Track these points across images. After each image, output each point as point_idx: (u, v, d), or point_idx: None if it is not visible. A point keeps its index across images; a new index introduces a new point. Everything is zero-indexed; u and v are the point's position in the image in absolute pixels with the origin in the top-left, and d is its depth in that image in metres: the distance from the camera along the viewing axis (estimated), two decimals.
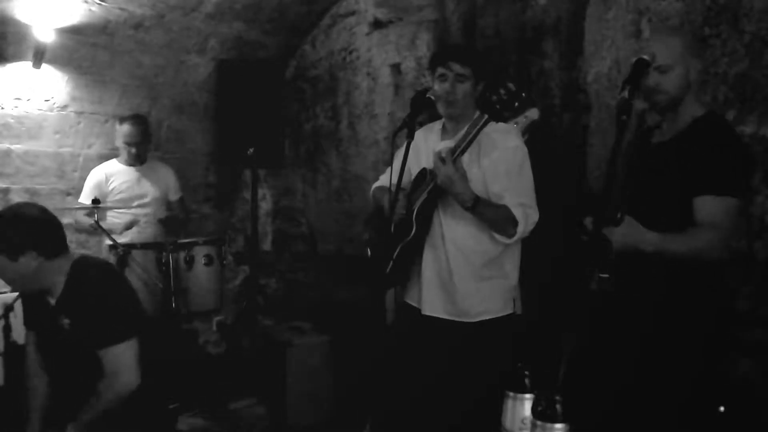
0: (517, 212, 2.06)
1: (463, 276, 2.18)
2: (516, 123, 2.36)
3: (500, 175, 2.11)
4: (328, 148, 4.40)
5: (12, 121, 3.61)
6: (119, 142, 3.61)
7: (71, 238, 3.28)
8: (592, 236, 1.74)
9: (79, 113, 3.85)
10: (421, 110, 2.08)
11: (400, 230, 2.19)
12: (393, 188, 1.99)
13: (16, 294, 2.62)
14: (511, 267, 2.24)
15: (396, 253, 2.18)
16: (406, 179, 2.15)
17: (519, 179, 2.12)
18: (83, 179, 3.64)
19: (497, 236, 2.13)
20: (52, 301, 2.01)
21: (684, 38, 1.90)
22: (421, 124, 2.37)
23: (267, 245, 4.83)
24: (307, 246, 4.67)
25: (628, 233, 1.73)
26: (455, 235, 2.19)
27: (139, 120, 3.63)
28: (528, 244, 2.25)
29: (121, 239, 3.31)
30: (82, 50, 3.64)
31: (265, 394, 3.40)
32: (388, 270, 2.17)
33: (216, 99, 4.24)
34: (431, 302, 2.24)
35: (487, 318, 2.18)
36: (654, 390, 1.77)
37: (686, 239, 1.76)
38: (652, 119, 2.04)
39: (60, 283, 1.98)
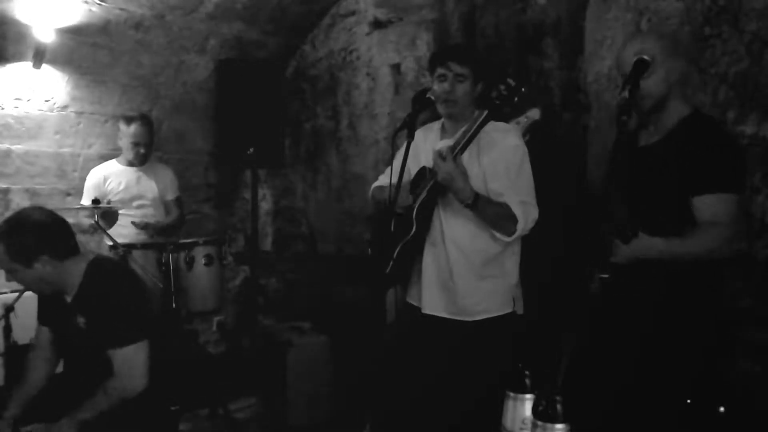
0: (517, 210, 2.06)
1: (464, 274, 2.19)
2: (517, 123, 2.37)
3: (500, 173, 2.11)
4: (329, 148, 4.40)
5: (12, 121, 3.61)
6: (125, 142, 3.59)
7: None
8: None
9: (80, 113, 3.85)
10: (421, 110, 2.08)
11: (400, 229, 2.19)
12: (393, 187, 1.99)
13: (17, 295, 2.62)
14: (512, 266, 2.24)
15: (396, 253, 2.18)
16: (405, 179, 2.15)
17: (519, 177, 2.12)
18: (83, 179, 3.64)
19: (497, 234, 2.13)
20: (69, 299, 2.02)
21: (663, 41, 1.89)
22: (422, 124, 2.37)
23: (267, 245, 4.84)
24: (307, 246, 4.67)
25: (636, 248, 1.73)
26: (455, 234, 2.19)
27: (146, 120, 3.63)
28: (528, 243, 2.25)
29: (122, 240, 3.31)
30: (83, 50, 3.64)
31: (266, 394, 3.40)
32: (388, 269, 2.17)
33: (216, 99, 4.24)
34: (431, 301, 2.24)
35: (487, 317, 2.18)
36: (654, 390, 1.77)
37: (693, 241, 1.76)
38: (632, 122, 2.03)
39: (76, 282, 2.00)
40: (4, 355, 3.02)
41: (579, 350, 1.60)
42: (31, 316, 2.24)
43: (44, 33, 3.33)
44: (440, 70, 2.17)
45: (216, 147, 4.36)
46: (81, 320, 1.98)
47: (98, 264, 2.05)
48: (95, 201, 3.26)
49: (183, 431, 2.90)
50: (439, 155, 2.02)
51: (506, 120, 2.31)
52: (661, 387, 1.77)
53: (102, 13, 3.46)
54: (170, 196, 3.82)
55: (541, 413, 1.05)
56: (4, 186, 3.66)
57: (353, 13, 4.11)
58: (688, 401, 1.75)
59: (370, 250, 2.41)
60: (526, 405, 1.14)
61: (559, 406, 1.04)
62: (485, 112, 2.03)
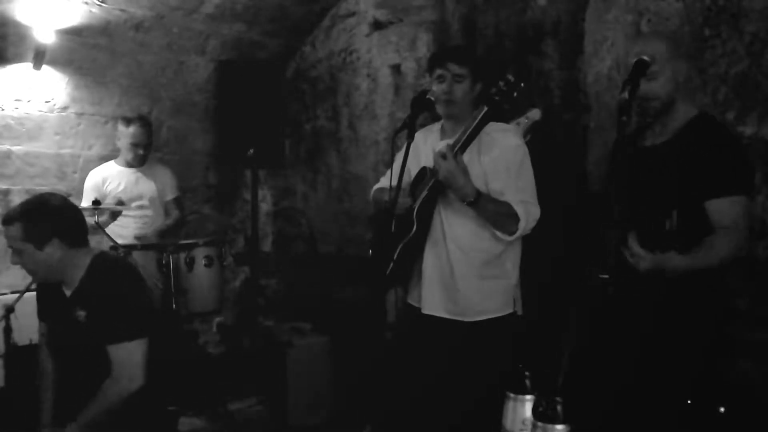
0: (519, 209, 2.06)
1: (464, 274, 2.18)
2: (518, 123, 2.37)
3: (501, 172, 2.11)
4: (329, 149, 4.40)
5: (12, 122, 3.61)
6: (124, 143, 3.59)
7: None
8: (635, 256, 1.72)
9: (80, 114, 3.85)
10: (421, 111, 2.08)
11: (401, 229, 2.19)
12: (393, 189, 1.99)
13: (17, 295, 2.62)
14: (512, 266, 2.23)
15: (397, 253, 2.18)
16: (405, 180, 2.15)
17: (520, 176, 2.12)
18: (83, 180, 3.64)
19: (498, 233, 2.12)
20: (68, 293, 2.03)
21: (668, 43, 1.89)
22: (421, 126, 2.37)
23: (267, 246, 4.84)
24: (307, 246, 4.67)
25: (660, 259, 1.72)
26: (457, 233, 2.19)
27: (145, 121, 3.63)
28: (528, 243, 2.25)
29: (121, 241, 3.31)
30: (83, 51, 3.64)
31: (266, 394, 3.40)
32: (388, 270, 2.17)
33: (216, 100, 4.25)
34: (431, 301, 2.24)
35: (488, 317, 2.18)
36: (654, 390, 1.77)
37: (715, 250, 1.75)
38: (632, 123, 2.03)
39: (78, 274, 2.02)
40: (5, 357, 3.03)
41: (579, 351, 1.60)
42: (31, 317, 2.24)
43: (44, 34, 3.33)
44: (439, 71, 2.17)
45: (216, 148, 4.37)
46: (81, 314, 1.98)
47: (102, 259, 2.08)
48: (96, 202, 3.26)
49: None
50: (440, 154, 2.02)
51: (507, 120, 2.31)
52: (662, 387, 1.77)
53: (102, 14, 3.46)
54: (169, 196, 3.82)
55: (542, 414, 1.05)
56: (5, 187, 3.66)
57: (353, 14, 4.11)
58: (689, 402, 1.76)
59: (370, 251, 2.41)
60: (526, 406, 1.14)
61: (559, 407, 1.04)
62: (484, 109, 2.02)
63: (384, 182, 2.41)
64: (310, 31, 4.37)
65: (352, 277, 3.94)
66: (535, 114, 2.39)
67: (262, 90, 3.92)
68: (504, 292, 2.21)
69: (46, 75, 3.60)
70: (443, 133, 2.30)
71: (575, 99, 2.98)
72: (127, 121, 3.57)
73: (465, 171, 2.02)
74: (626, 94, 1.68)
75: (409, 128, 2.03)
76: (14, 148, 3.66)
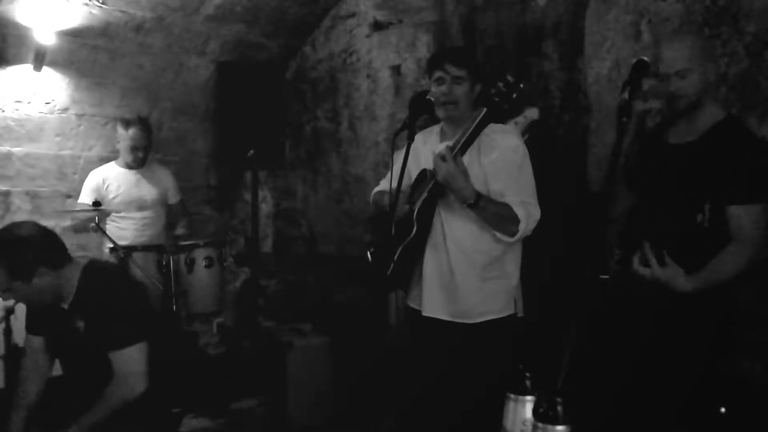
0: (519, 210, 2.05)
1: (465, 275, 2.17)
2: (516, 123, 2.37)
3: (501, 173, 2.11)
4: (329, 150, 4.41)
5: (13, 123, 3.61)
6: (123, 146, 3.58)
7: (72, 241, 3.28)
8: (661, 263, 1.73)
9: (80, 116, 3.86)
10: (420, 112, 2.08)
11: (401, 231, 2.19)
12: (393, 190, 1.99)
13: None
14: (513, 267, 2.23)
15: (397, 255, 2.17)
16: (405, 182, 2.14)
17: (519, 177, 2.11)
18: (84, 181, 3.64)
19: (499, 235, 2.12)
20: (65, 306, 2.03)
21: (698, 40, 1.90)
22: (420, 129, 2.37)
23: (267, 247, 4.84)
24: (307, 247, 4.67)
25: (671, 276, 1.73)
26: (457, 235, 2.18)
27: (144, 123, 3.62)
28: (528, 244, 2.24)
29: (122, 242, 3.31)
30: (83, 53, 3.64)
31: (266, 395, 3.40)
32: (388, 272, 2.16)
33: (216, 101, 4.25)
34: (432, 303, 2.23)
35: (488, 319, 2.18)
36: (655, 391, 1.77)
37: (730, 265, 1.77)
38: (652, 119, 2.04)
39: (72, 288, 2.01)
40: (5, 358, 3.03)
41: (579, 351, 1.60)
42: None
43: (45, 35, 3.34)
44: (438, 73, 2.17)
45: (216, 149, 4.37)
46: (80, 324, 1.98)
47: (92, 268, 2.06)
48: (96, 203, 3.26)
49: None
50: (439, 156, 2.02)
51: (504, 120, 2.30)
52: (662, 388, 1.77)
53: (102, 15, 3.47)
54: (173, 199, 3.81)
55: (542, 415, 1.05)
56: (5, 188, 3.66)
57: (353, 15, 4.12)
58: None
59: (370, 253, 2.40)
60: (526, 407, 1.14)
61: (559, 408, 1.04)
62: (484, 110, 2.02)
63: (384, 185, 2.40)
64: (310, 32, 4.38)
65: (353, 278, 3.94)
66: (532, 113, 2.38)
67: (262, 91, 3.93)
68: (505, 294, 2.21)
69: (47, 76, 3.60)
70: (443, 135, 2.29)
71: (575, 99, 2.98)
72: (126, 124, 3.55)
73: (465, 173, 2.01)
74: (626, 95, 1.68)
75: (409, 129, 2.03)
76: (15, 150, 3.66)
